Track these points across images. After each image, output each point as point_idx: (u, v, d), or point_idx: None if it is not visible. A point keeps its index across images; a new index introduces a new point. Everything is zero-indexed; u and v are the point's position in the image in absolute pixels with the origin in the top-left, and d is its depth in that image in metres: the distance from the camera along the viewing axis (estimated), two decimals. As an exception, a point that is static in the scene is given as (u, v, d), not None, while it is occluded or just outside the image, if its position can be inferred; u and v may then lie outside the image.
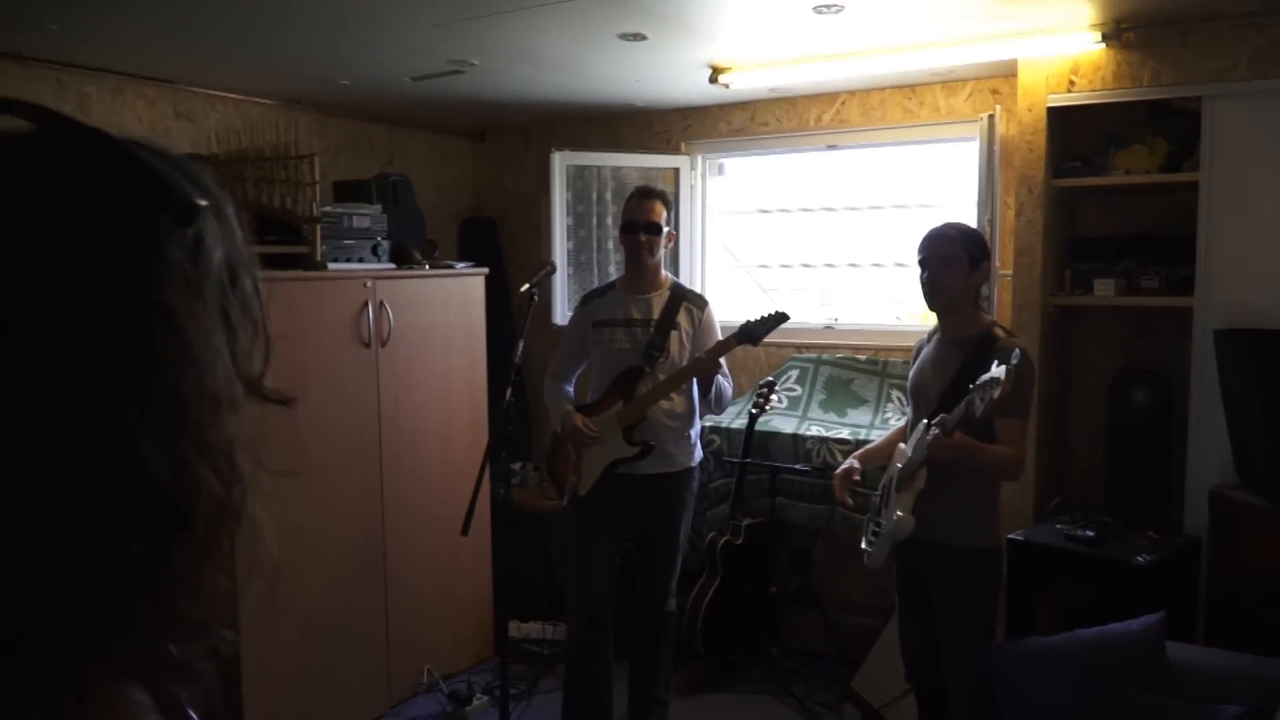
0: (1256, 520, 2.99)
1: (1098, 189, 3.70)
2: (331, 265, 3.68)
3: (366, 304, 3.79)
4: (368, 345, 3.81)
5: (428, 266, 4.11)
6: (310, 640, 3.62)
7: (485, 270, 4.37)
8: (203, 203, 0.56)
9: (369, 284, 3.81)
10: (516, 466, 4.97)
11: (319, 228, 3.60)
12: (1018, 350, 2.60)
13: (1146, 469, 3.65)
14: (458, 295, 4.22)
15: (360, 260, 3.83)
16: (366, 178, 4.36)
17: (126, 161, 0.53)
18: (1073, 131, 3.73)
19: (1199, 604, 3.26)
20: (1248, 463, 3.10)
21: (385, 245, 3.94)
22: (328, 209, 3.73)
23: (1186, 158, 3.41)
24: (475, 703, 3.91)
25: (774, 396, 4.19)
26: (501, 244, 5.45)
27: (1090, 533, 3.29)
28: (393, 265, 3.97)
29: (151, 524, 0.52)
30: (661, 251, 3.51)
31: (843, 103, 4.45)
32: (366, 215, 3.90)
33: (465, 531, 2.90)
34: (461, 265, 4.32)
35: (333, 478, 3.69)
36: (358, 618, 3.81)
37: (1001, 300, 3.86)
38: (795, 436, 4.14)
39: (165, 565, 0.53)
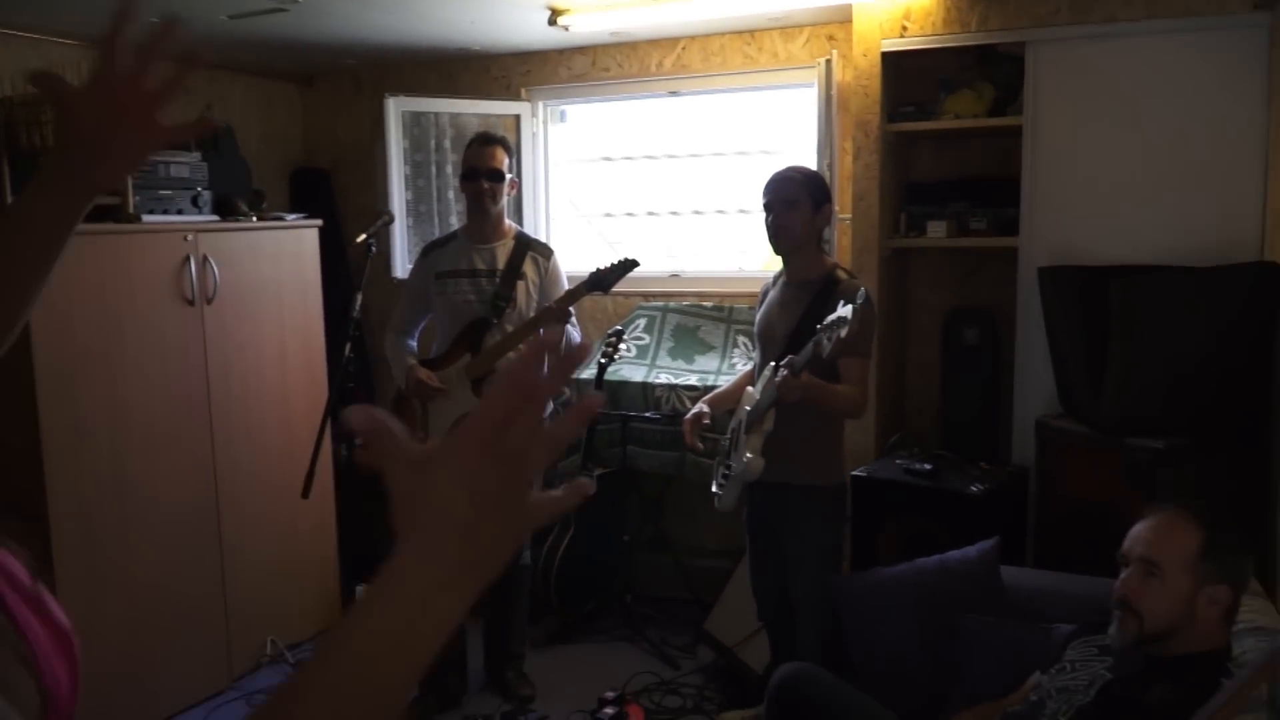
0: (1078, 448, 3.17)
1: (930, 133, 3.80)
2: (147, 217, 3.42)
3: (188, 259, 3.55)
4: (191, 303, 3.57)
5: (255, 218, 3.87)
6: (141, 615, 3.41)
7: (319, 222, 4.16)
8: None
9: (190, 237, 3.57)
10: (359, 426, 4.80)
11: (130, 177, 3.34)
12: (862, 290, 2.65)
13: (978, 403, 3.82)
14: (289, 249, 4.00)
15: (179, 212, 3.57)
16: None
17: None
18: (906, 77, 3.81)
19: (1028, 529, 3.44)
20: (1069, 393, 3.27)
21: (207, 196, 3.69)
22: (140, 157, 3.46)
23: (1011, 102, 3.53)
24: (324, 670, 3.78)
25: (622, 346, 4.17)
26: (335, 195, 5.20)
27: (927, 466, 3.42)
28: (216, 217, 3.73)
29: None
30: (505, 199, 3.41)
31: (683, 48, 4.42)
32: (185, 164, 3.63)
33: (306, 494, 2.77)
34: (292, 217, 4.10)
35: (159, 444, 3.46)
36: (193, 589, 3.61)
37: (841, 244, 3.93)
38: (644, 385, 4.14)
39: None
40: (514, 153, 3.47)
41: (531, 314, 3.38)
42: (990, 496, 3.23)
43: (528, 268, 3.41)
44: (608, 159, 4.84)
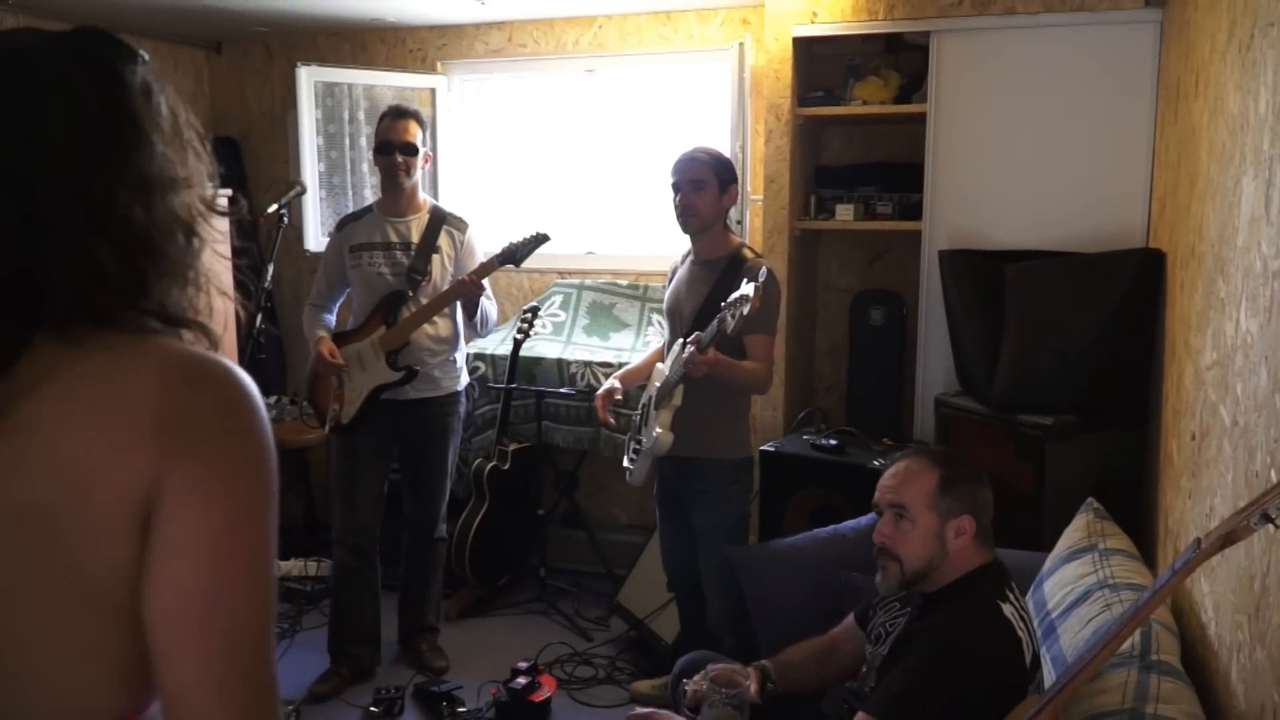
0: (973, 424, 3.30)
1: (839, 118, 3.90)
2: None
3: (91, 228, 3.47)
4: (95, 273, 3.49)
5: (162, 188, 3.79)
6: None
7: (228, 192, 4.06)
8: (144, 55, 0.92)
9: (93, 206, 3.48)
10: (271, 400, 4.75)
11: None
12: (765, 268, 2.73)
13: (882, 381, 3.95)
14: (198, 219, 3.93)
15: (82, 180, 3.48)
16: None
17: (106, 35, 0.90)
18: (817, 62, 3.90)
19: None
20: (966, 372, 3.41)
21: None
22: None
23: (917, 90, 3.64)
24: (233, 645, 3.76)
25: (538, 322, 4.20)
26: (245, 165, 5.11)
27: (833, 441, 3.53)
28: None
29: (131, 251, 0.87)
30: (419, 173, 3.41)
31: (600, 26, 4.44)
32: (87, 130, 3.54)
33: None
34: (201, 187, 4.02)
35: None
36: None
37: (753, 225, 4.02)
38: (560, 361, 4.17)
39: (145, 283, 0.88)
40: (427, 126, 3.46)
41: (446, 287, 3.39)
42: (891, 470, 3.35)
43: (443, 241, 3.42)
44: (524, 135, 4.84)
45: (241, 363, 3.01)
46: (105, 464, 0.81)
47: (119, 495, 0.81)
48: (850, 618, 2.31)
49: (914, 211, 3.68)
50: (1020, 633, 1.91)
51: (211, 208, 0.95)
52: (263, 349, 2.98)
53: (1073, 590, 2.19)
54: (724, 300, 2.63)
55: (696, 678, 2.14)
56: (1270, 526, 1.32)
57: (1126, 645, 1.84)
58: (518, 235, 3.37)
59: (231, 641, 0.81)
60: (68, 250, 0.85)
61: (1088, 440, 3.07)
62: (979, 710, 1.83)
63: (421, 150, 3.38)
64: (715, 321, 2.64)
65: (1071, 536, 2.48)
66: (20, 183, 0.83)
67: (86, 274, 0.85)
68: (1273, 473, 1.63)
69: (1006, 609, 1.93)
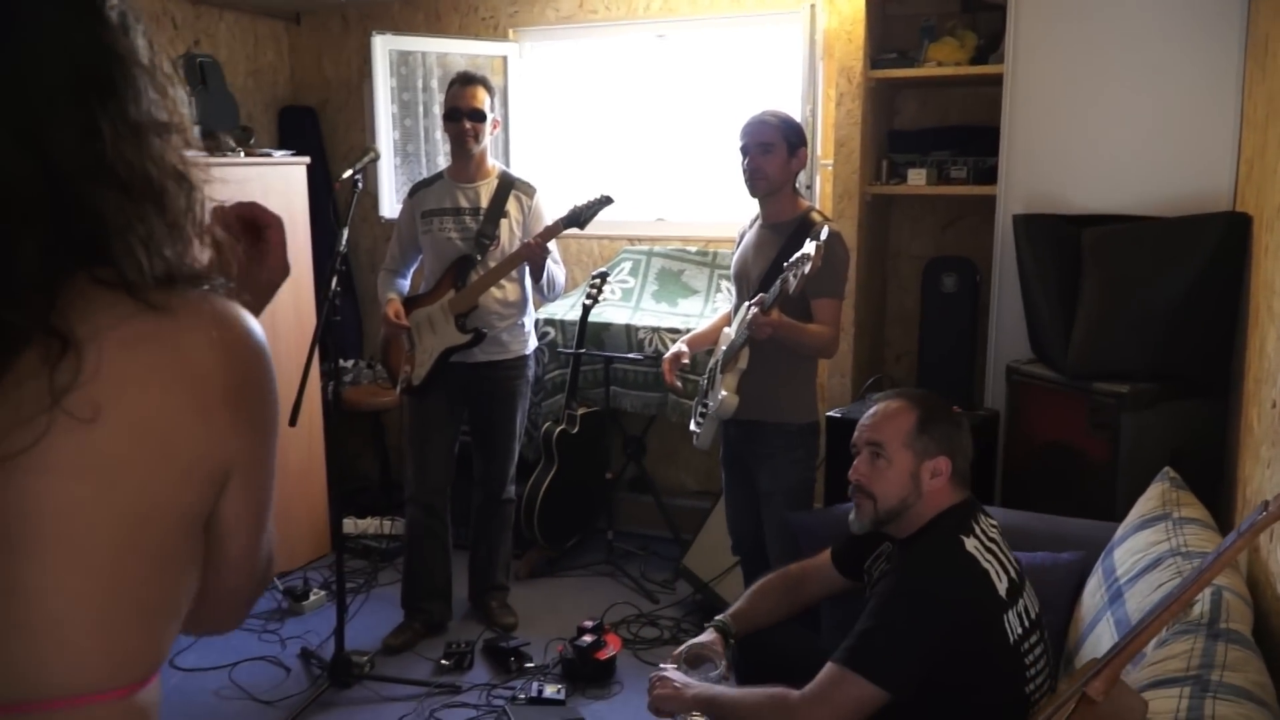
0: (1046, 392, 3.25)
1: (913, 81, 3.83)
2: (135, 152, 3.44)
3: (176, 194, 3.58)
4: (180, 238, 3.61)
5: (243, 154, 3.90)
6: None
7: (306, 160, 4.19)
8: None
9: (178, 172, 3.60)
10: (348, 364, 4.87)
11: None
12: (827, 227, 2.71)
13: (953, 348, 3.90)
14: (277, 185, 4.03)
15: (167, 147, 3.60)
16: (170, 59, 4.07)
17: None
18: (891, 23, 3.84)
19: (996, 470, 3.54)
20: (1040, 339, 3.34)
21: (195, 131, 3.71)
22: (127, 91, 3.48)
23: (994, 50, 3.56)
24: (312, 597, 3.90)
25: (607, 288, 4.23)
26: (323, 134, 5.22)
27: (901, 408, 3.50)
28: (203, 153, 3.76)
29: (136, 201, 0.85)
30: (488, 139, 3.45)
31: (671, -9, 4.42)
32: (172, 99, 3.65)
33: (293, 422, 2.82)
34: (280, 154, 4.12)
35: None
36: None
37: (823, 190, 3.98)
38: (628, 327, 4.20)
39: (148, 227, 0.86)
40: (495, 92, 3.50)
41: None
42: (960, 438, 3.31)
43: (511, 206, 3.46)
44: (596, 102, 4.85)
45: (318, 325, 3.10)
46: (188, 425, 0.87)
47: (201, 454, 0.89)
48: (827, 554, 2.36)
49: (989, 176, 3.61)
50: (986, 564, 1.92)
51: (193, 148, 0.95)
52: (338, 311, 3.06)
53: (1143, 557, 2.15)
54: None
55: (668, 665, 2.20)
56: (1345, 489, 1.29)
57: (1196, 612, 1.81)
58: (582, 199, 3.40)
59: (260, 505, 1.02)
60: (75, 203, 0.83)
61: (1165, 409, 2.99)
62: (943, 644, 1.86)
63: (489, 116, 3.42)
64: (778, 281, 2.64)
65: (1145, 505, 2.43)
66: (20, 136, 0.81)
67: (104, 228, 0.84)
68: (1353, 437, 1.58)
69: (970, 543, 1.94)
